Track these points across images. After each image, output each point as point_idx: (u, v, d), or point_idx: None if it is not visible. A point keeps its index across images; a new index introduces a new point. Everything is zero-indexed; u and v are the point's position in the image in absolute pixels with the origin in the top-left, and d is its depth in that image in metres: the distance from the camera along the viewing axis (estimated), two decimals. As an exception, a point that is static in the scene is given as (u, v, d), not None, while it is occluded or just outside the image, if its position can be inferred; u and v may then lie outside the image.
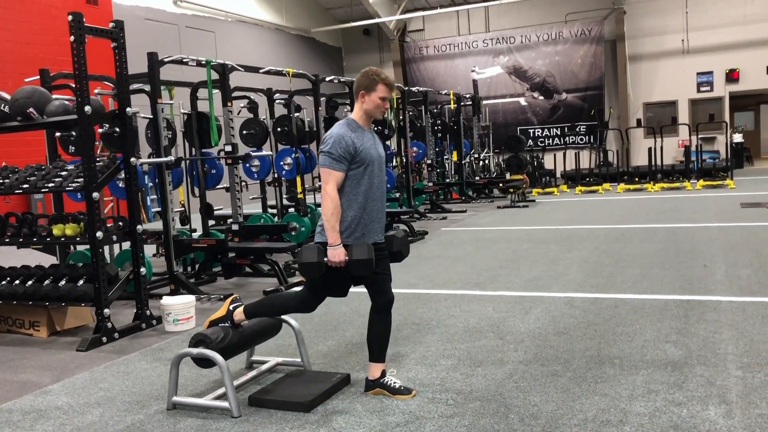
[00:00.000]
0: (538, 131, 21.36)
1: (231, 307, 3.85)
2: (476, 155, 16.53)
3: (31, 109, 5.29)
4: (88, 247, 5.59)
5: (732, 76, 19.58)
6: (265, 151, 9.26)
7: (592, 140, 20.21)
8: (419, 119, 14.25)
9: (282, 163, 9.27)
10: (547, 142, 21.13)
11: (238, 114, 9.00)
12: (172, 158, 6.89)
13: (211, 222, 8.80)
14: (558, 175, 18.50)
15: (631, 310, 5.16)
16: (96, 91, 7.26)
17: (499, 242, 9.04)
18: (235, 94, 9.28)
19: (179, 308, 5.42)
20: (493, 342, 4.58)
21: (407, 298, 6.00)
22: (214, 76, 7.30)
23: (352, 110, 5.40)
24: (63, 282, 5.44)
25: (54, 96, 5.75)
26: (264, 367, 4.22)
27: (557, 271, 6.84)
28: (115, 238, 5.52)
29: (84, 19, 5.16)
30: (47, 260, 7.26)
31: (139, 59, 6.80)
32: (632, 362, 4.00)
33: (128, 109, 5.52)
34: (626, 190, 15.51)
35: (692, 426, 3.11)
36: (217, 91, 7.42)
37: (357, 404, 3.62)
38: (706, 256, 7.07)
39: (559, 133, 21.10)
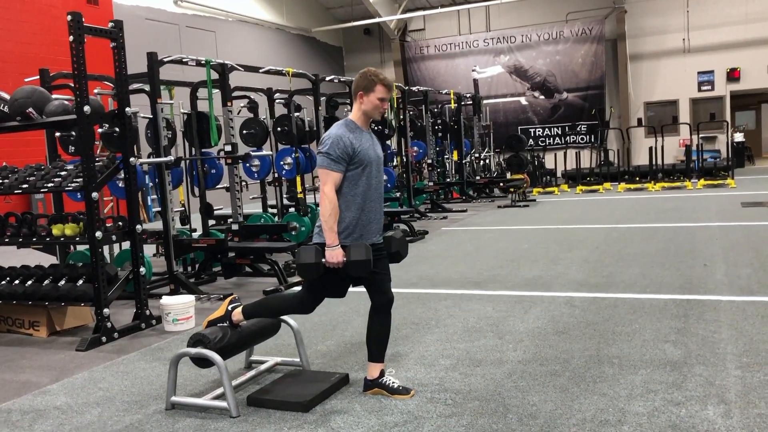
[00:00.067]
0: (539, 131, 21.35)
1: (229, 308, 3.85)
2: (477, 155, 16.53)
3: (30, 109, 5.29)
4: (87, 246, 5.59)
5: (733, 75, 19.55)
6: (265, 151, 9.27)
7: (592, 140, 20.19)
8: (420, 119, 14.24)
9: (282, 162, 9.27)
10: (547, 141, 21.13)
11: (239, 114, 9.01)
12: (171, 158, 6.89)
13: (212, 222, 8.80)
14: (559, 174, 18.49)
15: (630, 310, 5.15)
16: (96, 90, 7.26)
17: (500, 242, 9.03)
18: (236, 93, 9.28)
19: (179, 308, 5.42)
20: (493, 341, 4.58)
21: (407, 298, 5.99)
22: (214, 75, 7.30)
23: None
24: (62, 282, 5.44)
25: (54, 96, 5.75)
26: (263, 366, 4.22)
27: (557, 270, 6.84)
28: (114, 237, 5.52)
29: (83, 19, 5.16)
30: (47, 260, 7.27)
31: (140, 59, 6.80)
32: (631, 362, 4.00)
33: (127, 109, 5.52)
34: (627, 190, 15.50)
35: (691, 426, 3.10)
36: (217, 90, 7.43)
37: (355, 404, 3.62)
38: (706, 256, 7.07)
39: (559, 132, 21.10)
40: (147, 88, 7.10)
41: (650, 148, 15.85)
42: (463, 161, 15.44)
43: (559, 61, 20.90)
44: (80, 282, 5.39)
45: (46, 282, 5.48)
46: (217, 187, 8.23)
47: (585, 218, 10.92)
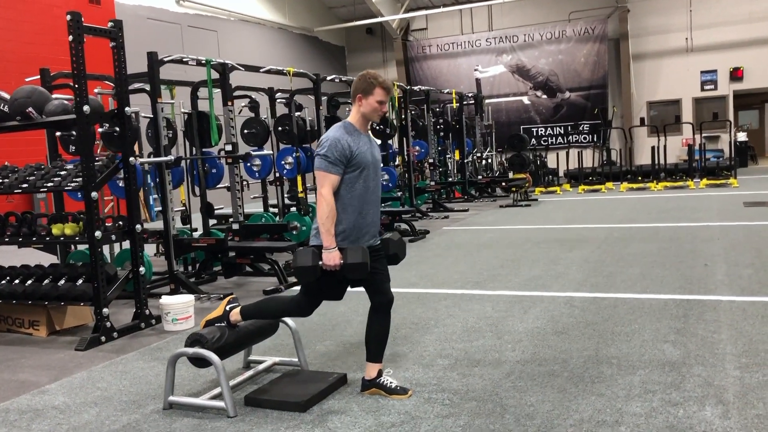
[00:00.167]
0: (541, 130, 21.32)
1: (227, 308, 3.85)
2: (479, 154, 16.51)
3: (30, 109, 5.30)
4: (87, 246, 5.60)
5: (736, 75, 19.49)
6: (266, 151, 9.27)
7: (595, 139, 20.17)
8: (421, 118, 14.23)
9: (283, 162, 9.27)
10: (550, 140, 21.10)
11: (240, 113, 9.01)
12: (171, 157, 6.90)
13: (213, 221, 8.81)
14: (561, 174, 18.46)
15: (630, 310, 5.14)
16: (96, 90, 7.27)
17: (501, 241, 9.02)
18: (237, 93, 9.29)
19: (178, 308, 5.43)
20: (491, 342, 4.57)
21: (407, 298, 5.99)
22: (215, 75, 7.30)
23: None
24: (62, 281, 5.45)
25: (54, 96, 5.75)
26: (261, 366, 4.22)
27: (557, 270, 6.83)
28: (114, 237, 5.53)
29: (82, 19, 5.16)
30: (48, 260, 7.27)
31: (142, 59, 6.80)
32: (630, 362, 3.99)
33: (127, 109, 5.52)
34: (629, 189, 15.47)
35: (688, 426, 3.09)
36: (218, 90, 7.43)
37: (353, 404, 3.62)
38: (707, 256, 7.05)
39: (562, 131, 21.07)
40: (148, 87, 7.10)
41: (653, 148, 15.81)
42: (465, 161, 15.42)
43: (561, 61, 20.87)
44: (80, 281, 5.39)
45: (46, 281, 5.49)
46: (218, 186, 8.24)
47: (586, 218, 10.90)
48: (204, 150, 7.90)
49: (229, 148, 7.40)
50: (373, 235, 3.68)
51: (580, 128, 20.78)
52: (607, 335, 4.55)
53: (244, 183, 8.88)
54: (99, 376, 4.39)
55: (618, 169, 17.36)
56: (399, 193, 12.11)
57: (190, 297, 5.61)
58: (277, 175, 9.63)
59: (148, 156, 7.89)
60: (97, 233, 5.18)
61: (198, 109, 7.89)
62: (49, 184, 5.43)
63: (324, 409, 3.58)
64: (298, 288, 3.75)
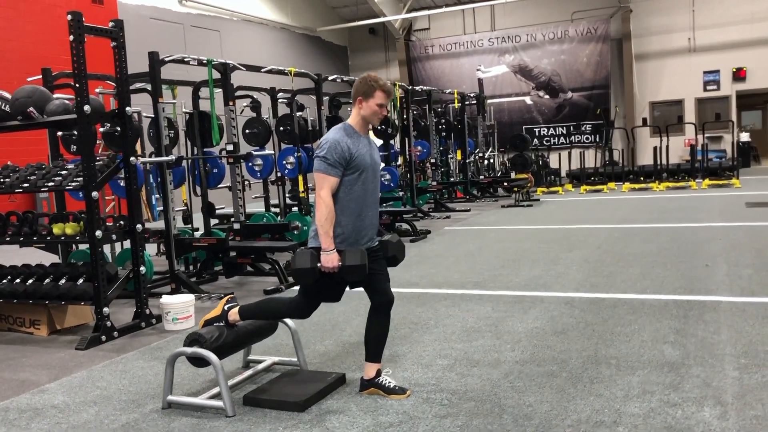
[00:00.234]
0: (544, 130, 21.31)
1: (226, 307, 3.86)
2: (481, 154, 16.50)
3: (31, 109, 5.31)
4: (88, 245, 5.61)
5: (739, 75, 19.47)
6: (268, 150, 9.28)
7: (597, 139, 20.14)
8: (423, 118, 14.23)
9: (284, 162, 9.28)
10: (552, 141, 21.09)
11: (241, 113, 9.02)
12: (172, 157, 6.91)
13: (214, 221, 8.82)
14: (563, 174, 18.45)
15: (630, 310, 5.13)
16: (97, 90, 7.28)
17: (502, 241, 9.02)
18: (239, 93, 9.30)
19: (178, 307, 5.44)
20: (491, 342, 4.57)
21: (407, 298, 5.99)
22: (216, 75, 7.31)
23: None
24: (63, 281, 5.46)
25: (55, 95, 5.77)
26: (260, 366, 4.23)
27: (558, 270, 6.82)
28: (114, 237, 5.54)
29: (83, 19, 5.18)
30: (50, 259, 7.29)
31: (145, 58, 6.81)
32: (629, 363, 3.99)
33: (128, 109, 5.53)
34: (631, 190, 15.46)
35: (686, 427, 3.09)
36: (219, 90, 7.44)
37: (351, 404, 3.62)
38: (708, 256, 7.04)
39: (564, 132, 21.05)
40: (150, 87, 7.11)
41: (655, 148, 15.80)
42: (467, 161, 15.42)
43: (564, 61, 20.85)
44: (80, 281, 5.41)
45: (47, 281, 5.51)
46: (219, 186, 8.25)
47: (588, 218, 10.89)
48: (205, 150, 7.91)
49: (230, 147, 7.41)
50: (371, 237, 3.69)
51: (583, 128, 20.77)
52: (606, 335, 4.55)
53: (246, 183, 8.89)
54: (99, 375, 4.41)
55: (620, 169, 17.34)
56: (401, 193, 12.12)
57: (191, 296, 5.62)
58: (279, 174, 9.64)
59: (150, 156, 7.91)
60: (98, 233, 5.19)
61: (199, 108, 7.90)
62: (50, 184, 5.44)
63: (322, 408, 3.58)
64: (298, 288, 3.75)
